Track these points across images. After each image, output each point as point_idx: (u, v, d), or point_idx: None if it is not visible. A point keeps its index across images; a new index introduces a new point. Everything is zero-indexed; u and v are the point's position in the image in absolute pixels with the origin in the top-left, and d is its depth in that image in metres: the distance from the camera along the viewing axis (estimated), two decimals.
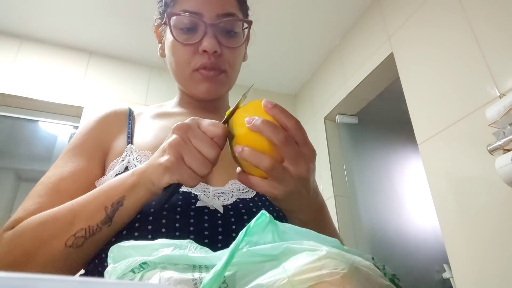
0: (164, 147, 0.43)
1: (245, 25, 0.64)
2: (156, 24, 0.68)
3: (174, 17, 0.59)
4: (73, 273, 0.47)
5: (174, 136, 0.42)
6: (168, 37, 0.62)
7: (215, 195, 0.52)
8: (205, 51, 0.58)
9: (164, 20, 0.63)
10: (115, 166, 0.55)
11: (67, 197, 0.51)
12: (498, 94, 1.10)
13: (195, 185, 0.42)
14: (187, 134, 0.42)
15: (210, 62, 0.59)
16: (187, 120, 0.44)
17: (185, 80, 0.62)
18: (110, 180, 0.48)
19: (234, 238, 0.49)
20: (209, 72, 0.60)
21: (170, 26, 0.59)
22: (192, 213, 0.48)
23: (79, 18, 1.94)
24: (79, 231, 0.43)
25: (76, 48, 2.13)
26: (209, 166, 0.42)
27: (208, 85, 0.61)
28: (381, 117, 2.25)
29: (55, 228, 0.44)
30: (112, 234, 0.45)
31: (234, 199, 0.53)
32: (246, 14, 0.67)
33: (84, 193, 0.52)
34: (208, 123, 0.43)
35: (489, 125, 1.04)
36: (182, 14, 0.58)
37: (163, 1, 0.64)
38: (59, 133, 2.05)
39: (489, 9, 1.19)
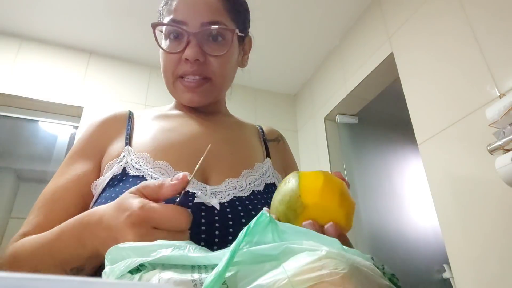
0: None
1: (238, 32, 0.63)
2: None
3: (161, 27, 0.61)
4: None
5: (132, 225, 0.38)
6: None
7: (212, 193, 0.53)
8: (187, 59, 0.59)
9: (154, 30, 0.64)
10: (112, 166, 0.55)
11: (59, 208, 0.52)
12: (498, 94, 1.10)
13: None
14: (143, 225, 0.38)
15: (191, 71, 0.60)
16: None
17: (170, 88, 0.65)
18: (72, 229, 0.44)
19: (230, 235, 0.50)
20: (190, 82, 0.61)
21: (155, 35, 0.61)
22: (189, 210, 0.49)
23: (79, 18, 1.93)
24: (68, 271, 0.44)
25: (76, 48, 2.13)
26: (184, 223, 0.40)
27: (190, 95, 0.62)
28: (381, 117, 2.25)
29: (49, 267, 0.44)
30: (97, 263, 0.45)
31: (230, 197, 0.53)
32: (239, 21, 0.66)
33: (77, 200, 0.53)
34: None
35: (489, 125, 1.04)
36: (166, 24, 0.60)
37: (159, 11, 0.66)
38: (59, 133, 2.05)
39: (489, 9, 1.19)
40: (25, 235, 0.49)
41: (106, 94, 2.09)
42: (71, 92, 2.01)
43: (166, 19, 0.61)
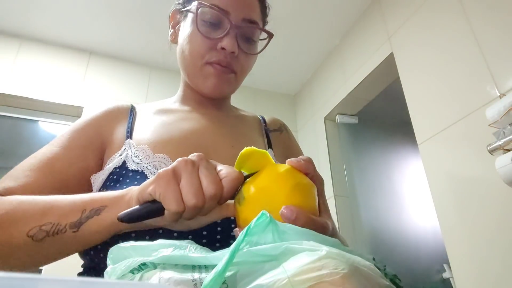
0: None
1: (264, 35, 0.66)
2: (175, 8, 0.68)
3: (202, 8, 0.60)
4: (26, 270, 0.43)
5: (188, 157, 0.40)
6: (188, 25, 0.63)
7: None
8: (223, 48, 0.59)
9: (188, 8, 0.63)
10: (113, 160, 0.55)
11: (60, 178, 0.51)
12: (498, 94, 1.10)
13: (173, 210, 0.36)
14: (200, 161, 0.39)
15: (225, 61, 0.60)
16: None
17: (195, 71, 0.63)
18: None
19: (232, 237, 0.49)
20: (222, 68, 0.61)
21: (196, 16, 0.60)
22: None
23: (79, 18, 1.94)
24: (46, 224, 0.41)
25: (76, 48, 2.13)
26: (200, 199, 0.36)
27: (216, 81, 0.61)
28: (381, 117, 2.25)
29: (28, 213, 0.42)
30: (76, 246, 0.42)
31: None
32: (265, 27, 0.69)
33: (76, 178, 0.53)
34: (227, 166, 0.40)
35: (489, 125, 1.04)
36: (212, 7, 0.59)
37: None
38: (59, 133, 2.05)
39: (489, 9, 1.19)
40: (10, 190, 0.46)
41: (106, 94, 2.09)
42: (71, 92, 2.01)
43: (202, 0, 0.60)
